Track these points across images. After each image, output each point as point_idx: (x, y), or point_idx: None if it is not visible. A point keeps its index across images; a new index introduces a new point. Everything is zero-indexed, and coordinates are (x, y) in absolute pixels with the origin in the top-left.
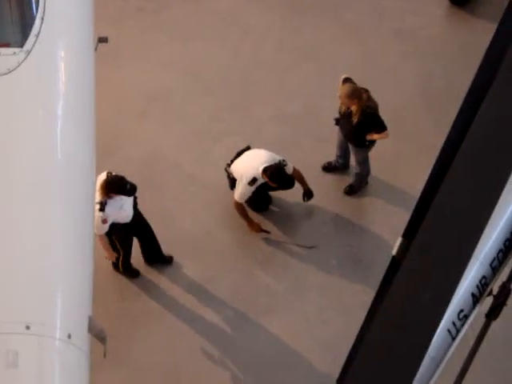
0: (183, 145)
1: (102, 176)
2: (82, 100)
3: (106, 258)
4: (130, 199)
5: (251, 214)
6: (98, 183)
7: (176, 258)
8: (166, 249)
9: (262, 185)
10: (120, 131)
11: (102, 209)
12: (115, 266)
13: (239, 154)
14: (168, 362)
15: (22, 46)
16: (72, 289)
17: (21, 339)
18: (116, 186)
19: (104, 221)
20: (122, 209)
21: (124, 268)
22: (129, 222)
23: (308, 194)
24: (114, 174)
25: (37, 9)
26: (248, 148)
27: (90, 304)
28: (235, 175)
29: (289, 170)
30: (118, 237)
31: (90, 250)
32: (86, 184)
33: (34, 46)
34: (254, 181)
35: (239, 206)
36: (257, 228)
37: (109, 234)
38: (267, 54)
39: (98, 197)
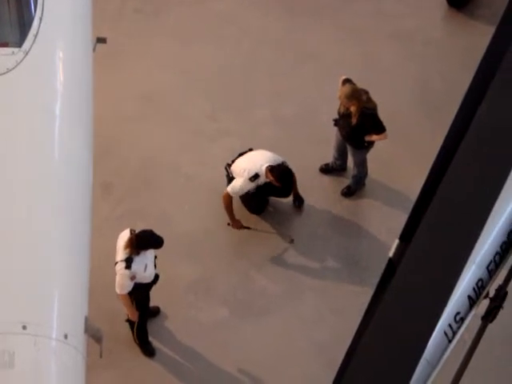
0: (180, 146)
1: (126, 234)
2: (79, 100)
3: (130, 318)
4: (152, 258)
5: (247, 215)
6: (120, 241)
7: (172, 259)
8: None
9: (262, 187)
10: (117, 132)
11: (128, 266)
12: (131, 325)
13: (241, 155)
14: (163, 362)
15: (20, 45)
16: (68, 289)
17: (17, 339)
18: (148, 240)
19: (132, 278)
20: (147, 267)
21: (139, 337)
22: (150, 282)
23: (299, 199)
24: (139, 230)
25: (35, 9)
26: (250, 150)
27: (87, 304)
28: (235, 173)
29: None
30: (138, 298)
31: (86, 250)
32: (83, 184)
33: (32, 45)
34: (255, 177)
35: (228, 200)
36: (238, 225)
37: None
38: (265, 56)
39: (121, 255)
